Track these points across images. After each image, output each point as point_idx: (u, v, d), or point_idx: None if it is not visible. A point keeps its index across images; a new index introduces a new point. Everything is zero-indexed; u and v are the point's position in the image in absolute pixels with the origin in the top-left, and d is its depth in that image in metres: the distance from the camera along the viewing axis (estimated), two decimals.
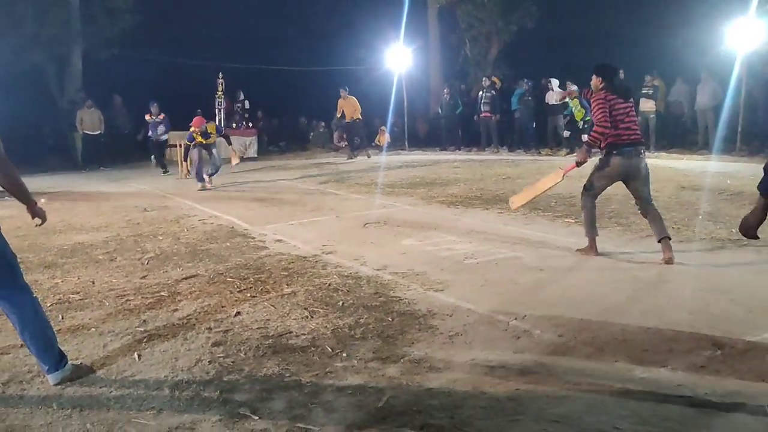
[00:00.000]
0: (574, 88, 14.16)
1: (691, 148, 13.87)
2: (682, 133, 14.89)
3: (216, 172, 11.35)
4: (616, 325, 3.77)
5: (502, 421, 2.68)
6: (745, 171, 9.87)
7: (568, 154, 14.51)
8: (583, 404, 2.81)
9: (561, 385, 3.01)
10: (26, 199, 3.25)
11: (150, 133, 15.00)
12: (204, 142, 11.04)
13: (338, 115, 16.68)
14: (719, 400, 2.79)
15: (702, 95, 13.64)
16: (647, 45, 16.36)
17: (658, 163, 11.99)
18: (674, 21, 15.76)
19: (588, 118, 14.26)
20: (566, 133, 14.99)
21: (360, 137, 16.95)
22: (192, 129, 11.06)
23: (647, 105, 14.35)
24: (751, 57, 12.42)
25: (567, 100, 14.43)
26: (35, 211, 3.34)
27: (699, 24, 13.78)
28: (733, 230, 5.85)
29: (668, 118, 15.02)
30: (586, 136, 14.20)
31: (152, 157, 15.44)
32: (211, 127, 11.22)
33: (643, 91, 14.41)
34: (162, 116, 14.90)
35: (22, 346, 3.71)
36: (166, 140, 15.24)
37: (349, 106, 16.10)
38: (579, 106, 14.27)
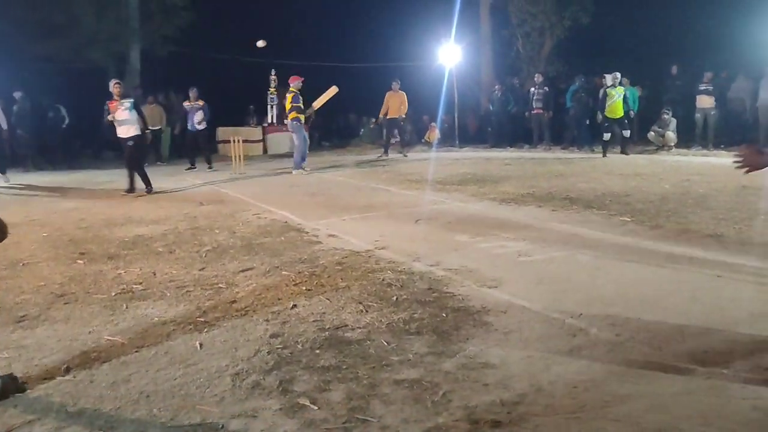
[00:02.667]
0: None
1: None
2: (742, 130, 14.42)
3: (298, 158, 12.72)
4: (675, 325, 3.70)
5: (560, 419, 2.67)
6: None
7: (604, 155, 13.85)
8: (643, 404, 2.77)
9: (620, 384, 2.97)
10: None
11: (189, 123, 14.44)
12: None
13: (383, 113, 15.84)
14: None
15: (765, 90, 13.17)
16: (706, 39, 15.88)
17: (718, 161, 11.68)
18: (735, 14, 15.24)
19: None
20: (606, 136, 13.92)
21: (401, 135, 16.74)
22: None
23: (707, 101, 13.98)
24: None
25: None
26: None
27: (762, 16, 13.32)
28: None
29: (729, 115, 14.57)
30: (627, 131, 13.75)
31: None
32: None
33: (702, 88, 14.04)
34: (201, 102, 14.31)
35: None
36: (203, 131, 14.60)
37: (396, 101, 15.59)
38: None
